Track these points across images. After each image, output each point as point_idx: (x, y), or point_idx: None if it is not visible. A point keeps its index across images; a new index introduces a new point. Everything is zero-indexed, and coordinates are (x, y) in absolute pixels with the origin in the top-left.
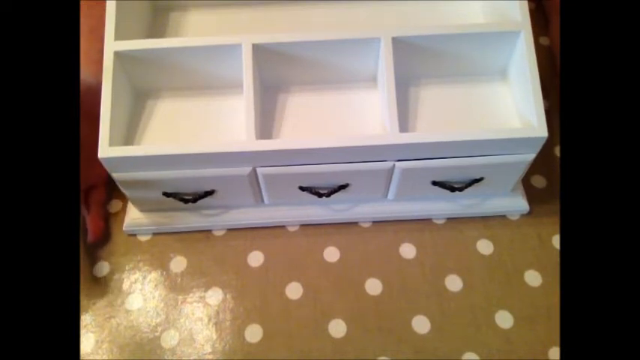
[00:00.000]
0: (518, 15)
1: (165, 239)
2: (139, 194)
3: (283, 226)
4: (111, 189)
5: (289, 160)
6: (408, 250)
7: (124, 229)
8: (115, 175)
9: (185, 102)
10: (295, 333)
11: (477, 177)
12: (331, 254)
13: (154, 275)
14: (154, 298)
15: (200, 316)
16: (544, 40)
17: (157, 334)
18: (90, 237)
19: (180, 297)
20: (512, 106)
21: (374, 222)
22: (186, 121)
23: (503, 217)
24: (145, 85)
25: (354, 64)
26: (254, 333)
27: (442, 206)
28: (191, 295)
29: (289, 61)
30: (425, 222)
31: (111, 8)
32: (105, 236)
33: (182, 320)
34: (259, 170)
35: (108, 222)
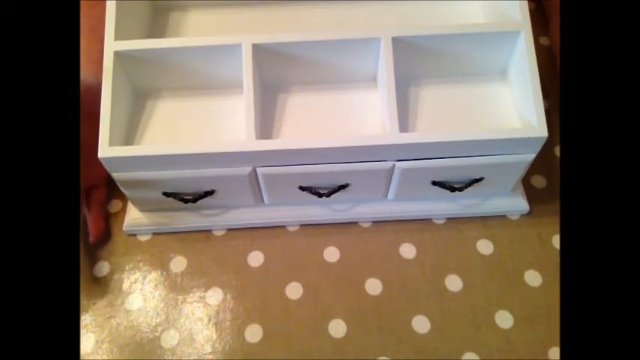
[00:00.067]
0: (518, 15)
1: (165, 239)
2: (139, 194)
3: (283, 226)
4: (111, 189)
5: (289, 160)
6: (408, 250)
7: (124, 229)
8: (115, 175)
9: (185, 102)
10: (295, 333)
11: (477, 177)
12: (331, 254)
13: (154, 275)
14: (154, 298)
15: (200, 316)
16: (544, 40)
17: (157, 334)
18: (91, 237)
19: (180, 297)
20: (512, 106)
21: (374, 222)
22: (186, 121)
23: (503, 217)
24: (145, 85)
25: (354, 64)
26: (254, 333)
27: (442, 206)
28: (191, 295)
29: (289, 61)
30: (425, 222)
31: (111, 8)
32: (106, 236)
33: (182, 320)
34: (259, 170)
35: (108, 222)
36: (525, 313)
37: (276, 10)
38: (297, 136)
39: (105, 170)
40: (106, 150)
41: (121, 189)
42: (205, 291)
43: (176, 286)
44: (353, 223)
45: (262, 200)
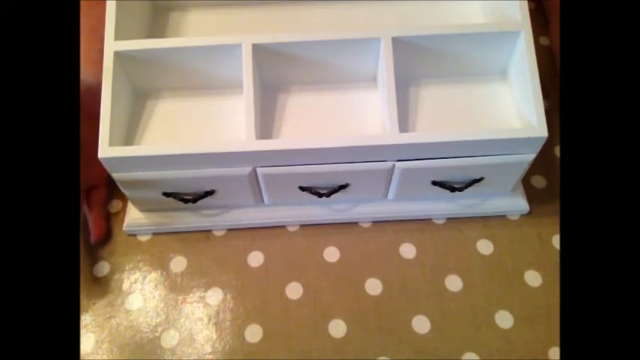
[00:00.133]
0: (518, 15)
1: (165, 239)
2: (139, 194)
3: (283, 226)
4: (111, 189)
5: (289, 160)
6: (408, 250)
7: (124, 229)
8: (115, 175)
9: (185, 102)
10: (295, 333)
11: (477, 177)
12: (331, 254)
13: (154, 275)
14: (154, 298)
15: (200, 316)
16: (544, 40)
17: (157, 334)
18: (92, 237)
19: (180, 297)
20: (512, 106)
21: (374, 222)
22: (186, 121)
23: (503, 217)
24: (145, 85)
25: (354, 64)
26: (254, 333)
27: (442, 206)
28: (191, 295)
29: (289, 61)
30: (425, 222)
31: (111, 8)
32: (107, 236)
33: (182, 320)
34: (259, 170)
35: (109, 222)
36: (525, 313)
37: (276, 10)
38: (297, 136)
39: (105, 170)
40: (106, 150)
41: (121, 189)
42: (205, 291)
43: (176, 286)
44: (353, 223)
45: (262, 200)
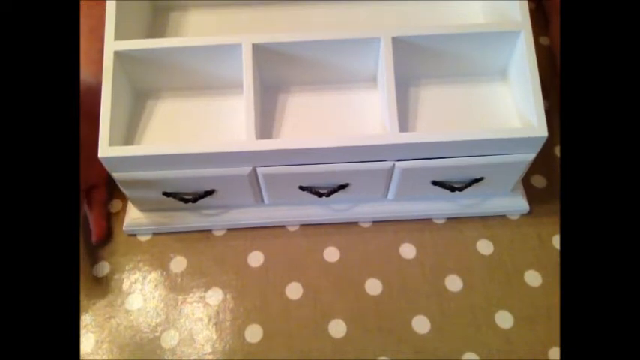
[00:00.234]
0: (518, 15)
1: (165, 239)
2: (139, 194)
3: (283, 226)
4: (111, 189)
5: (289, 160)
6: (408, 250)
7: (124, 229)
8: (115, 175)
9: (185, 102)
10: (295, 333)
11: (477, 177)
12: (331, 254)
13: (154, 275)
14: (154, 298)
15: (200, 316)
16: (544, 40)
17: (157, 334)
18: (93, 237)
19: (180, 297)
20: (512, 106)
21: (374, 222)
22: (186, 121)
23: (503, 217)
24: (145, 85)
25: (354, 64)
26: (254, 333)
27: (442, 206)
28: (191, 295)
29: (289, 61)
30: (425, 222)
31: (111, 8)
32: (108, 236)
33: (182, 320)
34: (259, 170)
35: (110, 222)
36: (525, 313)
37: (276, 10)
38: (297, 136)
39: (105, 170)
40: (106, 150)
41: (121, 189)
42: (205, 291)
43: (176, 286)
44: (353, 223)
45: (262, 200)
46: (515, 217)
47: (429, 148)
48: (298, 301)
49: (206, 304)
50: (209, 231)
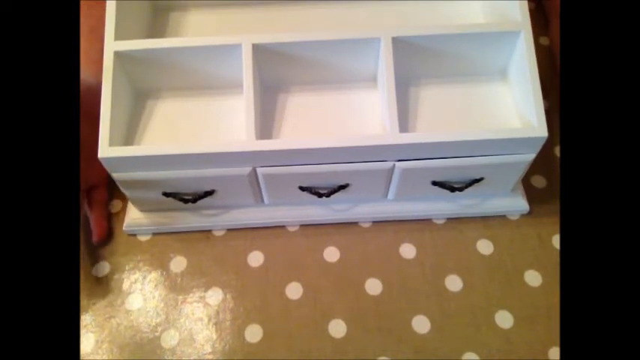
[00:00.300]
0: (518, 15)
1: (165, 239)
2: (139, 194)
3: (283, 226)
4: (111, 189)
5: (289, 160)
6: (408, 250)
7: (124, 229)
8: (115, 175)
9: (185, 102)
10: (295, 333)
11: (477, 177)
12: (331, 254)
13: (154, 275)
14: (154, 298)
15: (200, 316)
16: (544, 40)
17: (157, 334)
18: (94, 237)
19: (180, 297)
20: (512, 106)
21: (374, 222)
22: (186, 121)
23: (503, 217)
24: (145, 85)
25: (354, 64)
26: (254, 333)
27: (442, 206)
28: (191, 295)
29: (289, 61)
30: (425, 222)
31: (111, 8)
32: (109, 236)
33: (182, 320)
34: (259, 170)
35: (110, 222)
36: (525, 313)
37: (276, 10)
38: (297, 136)
39: (105, 170)
40: (106, 150)
41: (121, 189)
42: (205, 291)
43: (176, 286)
44: (353, 223)
45: (262, 200)
46: (515, 217)
47: (429, 148)
48: (298, 301)
49: (206, 304)
50: (209, 231)
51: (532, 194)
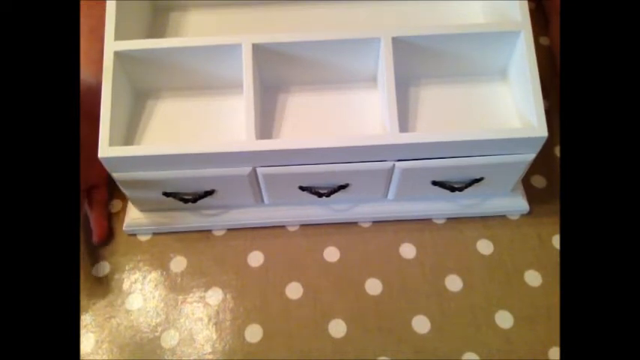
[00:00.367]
0: (518, 15)
1: (165, 239)
2: (139, 194)
3: (283, 226)
4: (111, 189)
5: (289, 160)
6: (408, 250)
7: (124, 229)
8: (115, 175)
9: (185, 102)
10: (295, 333)
11: (477, 177)
12: (331, 254)
13: (154, 275)
14: (154, 298)
15: (200, 316)
16: (544, 40)
17: (157, 334)
18: (95, 237)
19: (180, 297)
20: (512, 106)
21: (374, 222)
22: (186, 121)
23: (503, 217)
24: (145, 85)
25: (354, 64)
26: (254, 333)
27: (442, 206)
28: (191, 295)
29: (289, 61)
30: (425, 222)
31: (111, 8)
32: (109, 236)
33: (182, 320)
34: (259, 170)
35: (110, 222)
36: (525, 313)
37: (276, 10)
38: (297, 136)
39: (105, 170)
40: (106, 150)
41: (121, 189)
42: (205, 291)
43: (176, 286)
44: (353, 223)
45: (262, 200)
46: (515, 217)
47: (429, 148)
48: (298, 301)
49: (206, 304)
50: (209, 231)
51: (532, 194)
